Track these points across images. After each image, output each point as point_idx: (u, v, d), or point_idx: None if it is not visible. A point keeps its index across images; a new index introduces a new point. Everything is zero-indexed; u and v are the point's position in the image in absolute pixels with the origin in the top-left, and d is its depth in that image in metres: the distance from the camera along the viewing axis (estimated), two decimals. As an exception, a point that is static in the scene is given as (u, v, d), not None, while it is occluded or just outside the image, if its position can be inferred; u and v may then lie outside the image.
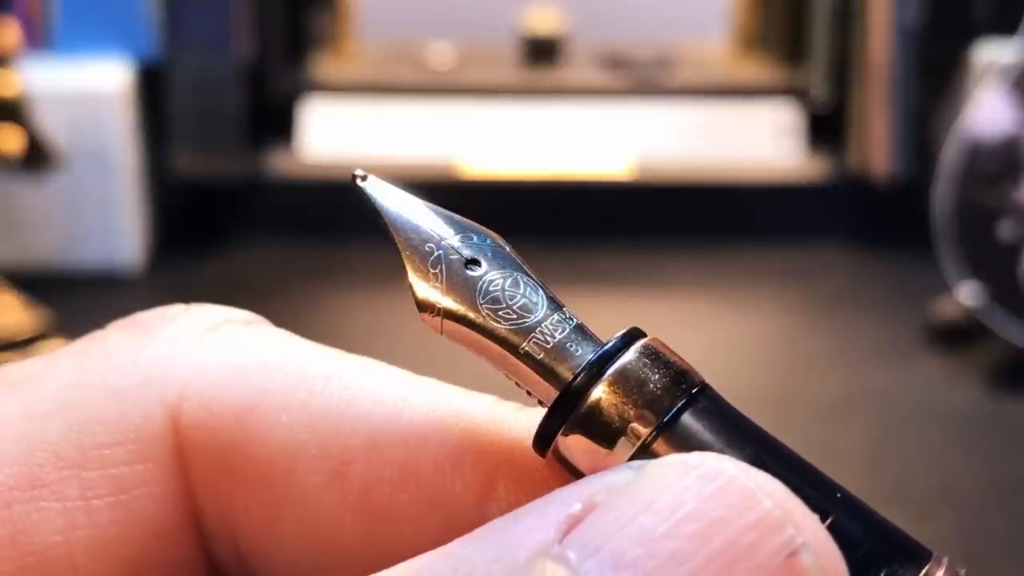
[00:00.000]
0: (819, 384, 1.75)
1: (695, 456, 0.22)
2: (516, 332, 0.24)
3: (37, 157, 1.85)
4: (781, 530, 0.21)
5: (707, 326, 1.94)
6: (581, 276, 2.14)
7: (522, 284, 0.25)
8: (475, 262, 0.25)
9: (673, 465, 0.22)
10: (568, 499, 0.22)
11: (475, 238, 0.26)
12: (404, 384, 0.27)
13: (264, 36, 2.23)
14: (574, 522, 0.21)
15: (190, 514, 0.27)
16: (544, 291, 0.25)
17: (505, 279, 0.25)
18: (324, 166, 2.22)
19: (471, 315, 0.25)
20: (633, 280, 2.07)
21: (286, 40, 2.34)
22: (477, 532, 0.22)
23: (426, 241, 0.25)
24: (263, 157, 2.27)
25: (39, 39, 2.04)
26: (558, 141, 2.38)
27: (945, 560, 0.23)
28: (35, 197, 2.00)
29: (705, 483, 0.21)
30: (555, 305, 0.25)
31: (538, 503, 0.22)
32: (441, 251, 0.25)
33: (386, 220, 0.26)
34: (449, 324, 0.25)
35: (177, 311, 0.28)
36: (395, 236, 0.25)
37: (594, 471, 0.23)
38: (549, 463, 0.24)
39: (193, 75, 2.11)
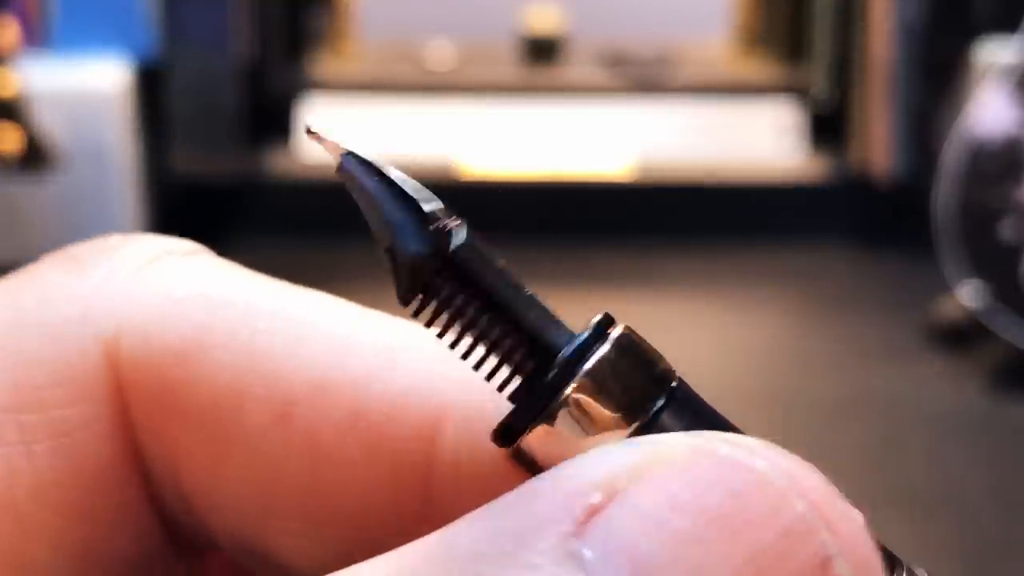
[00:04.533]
0: (820, 384, 1.74)
1: (724, 444, 0.20)
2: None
3: (36, 156, 1.84)
4: (813, 537, 0.19)
5: (707, 326, 1.93)
6: (581, 276, 2.13)
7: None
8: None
9: (700, 452, 0.20)
10: (585, 485, 0.20)
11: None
12: (354, 321, 0.26)
13: (263, 35, 2.22)
14: (594, 512, 0.19)
15: (133, 455, 0.25)
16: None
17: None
18: (323, 166, 2.22)
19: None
20: (633, 280, 2.06)
21: (285, 39, 2.33)
22: (480, 520, 0.20)
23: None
24: (262, 156, 2.27)
25: (38, 38, 2.03)
26: (558, 141, 2.37)
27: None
28: (34, 196, 1.99)
29: (735, 478, 0.19)
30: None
31: (548, 484, 0.20)
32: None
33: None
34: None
35: (115, 241, 0.27)
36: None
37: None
38: (508, 459, 0.22)
39: (192, 74, 2.11)
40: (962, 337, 1.82)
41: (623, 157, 2.31)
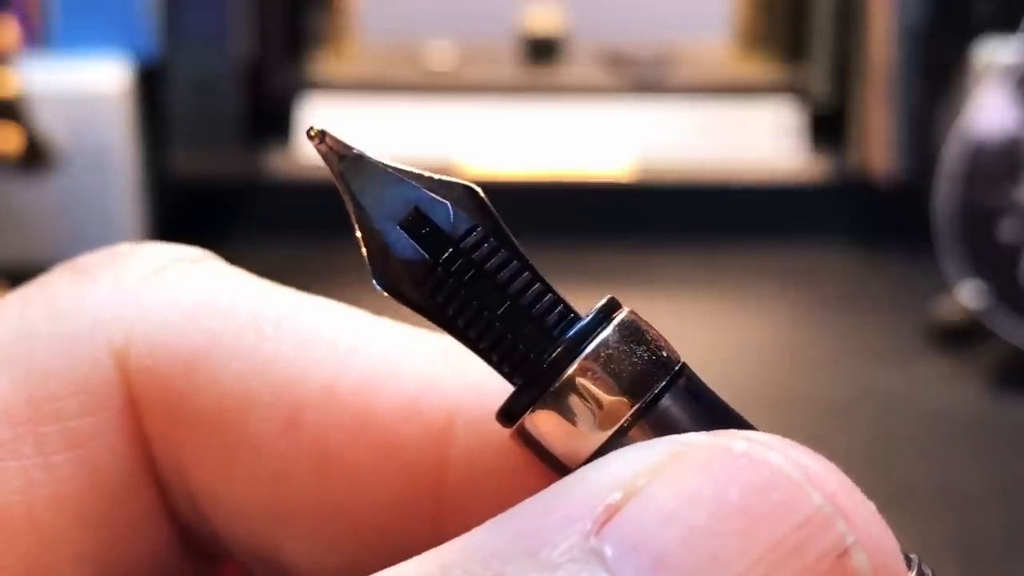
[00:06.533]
0: (820, 384, 1.74)
1: (740, 441, 0.20)
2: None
3: (36, 156, 1.84)
4: (830, 528, 0.19)
5: (707, 326, 1.93)
6: (581, 276, 2.13)
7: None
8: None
9: (717, 449, 0.20)
10: (605, 486, 0.20)
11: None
12: (359, 327, 0.26)
13: (263, 35, 2.22)
14: (613, 511, 0.20)
15: (146, 463, 0.25)
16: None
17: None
18: (323, 166, 2.21)
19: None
20: (633, 280, 2.06)
21: (285, 39, 2.33)
22: (501, 523, 0.20)
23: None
24: (262, 157, 2.27)
25: (38, 38, 2.03)
26: (558, 141, 2.37)
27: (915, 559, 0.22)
28: (34, 196, 1.99)
29: (751, 473, 0.20)
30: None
31: (569, 486, 0.20)
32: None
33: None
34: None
35: (123, 250, 0.26)
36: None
37: (564, 453, 0.22)
38: (512, 438, 0.23)
39: (192, 74, 2.11)
40: (962, 337, 1.82)
41: (623, 157, 2.31)
